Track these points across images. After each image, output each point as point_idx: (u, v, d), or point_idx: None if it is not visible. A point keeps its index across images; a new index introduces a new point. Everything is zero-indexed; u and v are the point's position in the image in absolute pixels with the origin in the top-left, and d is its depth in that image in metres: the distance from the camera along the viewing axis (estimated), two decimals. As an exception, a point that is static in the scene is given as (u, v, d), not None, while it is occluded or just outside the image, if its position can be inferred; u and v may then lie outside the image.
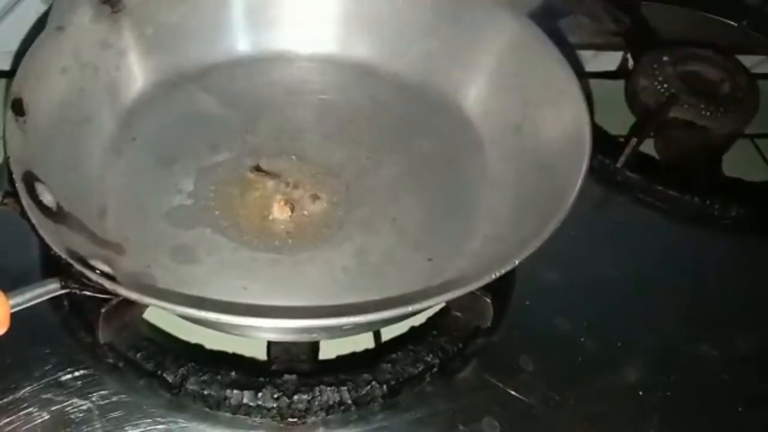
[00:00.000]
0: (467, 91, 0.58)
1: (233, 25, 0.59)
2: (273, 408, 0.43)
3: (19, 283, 0.38)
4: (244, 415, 0.44)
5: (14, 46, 0.62)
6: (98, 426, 0.42)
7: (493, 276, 0.40)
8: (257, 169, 0.52)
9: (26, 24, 0.63)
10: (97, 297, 0.40)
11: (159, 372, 0.44)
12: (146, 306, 0.45)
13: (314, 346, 0.47)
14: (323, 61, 0.61)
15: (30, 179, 0.43)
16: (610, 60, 0.73)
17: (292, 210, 0.50)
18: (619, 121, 0.64)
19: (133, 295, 0.38)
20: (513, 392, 0.46)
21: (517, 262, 0.41)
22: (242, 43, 0.60)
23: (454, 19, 0.58)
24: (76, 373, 0.44)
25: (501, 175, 0.53)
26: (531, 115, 0.53)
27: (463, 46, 0.58)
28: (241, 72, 0.59)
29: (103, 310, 0.43)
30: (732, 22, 0.75)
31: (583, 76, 0.53)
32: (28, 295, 0.38)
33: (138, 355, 0.45)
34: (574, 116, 0.50)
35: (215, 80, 0.58)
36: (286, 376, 0.44)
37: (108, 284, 0.38)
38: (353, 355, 0.48)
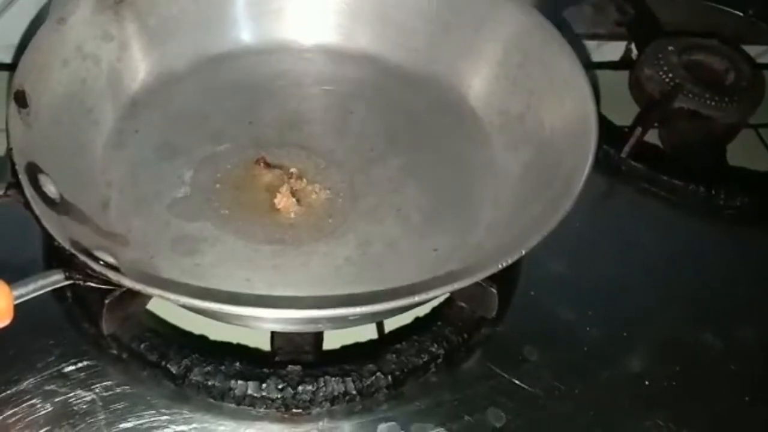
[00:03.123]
0: (472, 81, 0.57)
1: (236, 15, 0.59)
2: (277, 399, 0.43)
3: (22, 275, 0.38)
4: (249, 405, 0.44)
5: (16, 39, 0.62)
6: (102, 417, 0.42)
7: (501, 265, 0.40)
8: (260, 160, 0.52)
9: (28, 17, 0.63)
10: (100, 288, 0.40)
11: (163, 363, 0.44)
12: (150, 297, 0.45)
13: (318, 337, 0.46)
14: (326, 51, 0.60)
15: (33, 170, 0.43)
16: (614, 50, 0.72)
17: (296, 201, 0.50)
18: (624, 112, 0.64)
19: (137, 286, 0.38)
20: (518, 382, 0.46)
21: (524, 252, 0.41)
22: (245, 34, 0.59)
23: (458, 9, 0.58)
24: (80, 365, 0.44)
25: (506, 166, 0.53)
26: (536, 105, 0.53)
27: (468, 37, 0.58)
28: (244, 63, 0.59)
29: (106, 301, 0.43)
30: (737, 12, 0.75)
31: (587, 66, 0.53)
32: (31, 286, 0.38)
33: (142, 346, 0.45)
34: (580, 106, 0.50)
35: (218, 71, 0.58)
36: (290, 367, 0.44)
37: (111, 275, 0.38)
38: (357, 346, 0.47)
